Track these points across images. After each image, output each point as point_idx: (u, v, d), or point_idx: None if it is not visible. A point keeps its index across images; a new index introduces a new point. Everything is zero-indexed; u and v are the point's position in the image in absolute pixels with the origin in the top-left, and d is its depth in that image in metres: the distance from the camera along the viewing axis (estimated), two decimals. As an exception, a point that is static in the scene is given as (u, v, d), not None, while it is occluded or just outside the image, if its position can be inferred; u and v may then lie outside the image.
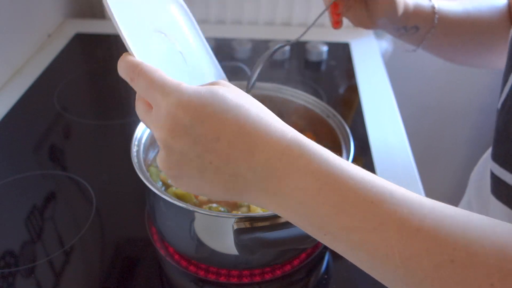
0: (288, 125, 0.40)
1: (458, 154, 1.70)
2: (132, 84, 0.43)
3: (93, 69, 1.17)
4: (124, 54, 0.44)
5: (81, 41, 1.28)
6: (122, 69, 0.43)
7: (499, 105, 0.59)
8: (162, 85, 0.40)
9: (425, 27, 0.69)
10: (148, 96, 0.42)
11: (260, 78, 0.78)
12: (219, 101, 0.39)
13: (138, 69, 0.42)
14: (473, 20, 0.70)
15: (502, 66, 0.67)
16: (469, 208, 0.71)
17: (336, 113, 0.71)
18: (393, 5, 0.64)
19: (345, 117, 0.72)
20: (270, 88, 0.77)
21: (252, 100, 0.41)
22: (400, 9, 0.65)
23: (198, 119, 0.38)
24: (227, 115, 0.38)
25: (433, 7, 0.68)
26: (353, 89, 1.08)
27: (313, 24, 0.67)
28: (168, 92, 0.39)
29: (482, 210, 0.64)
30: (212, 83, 0.42)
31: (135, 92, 0.46)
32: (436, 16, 0.67)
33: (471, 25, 0.70)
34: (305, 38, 0.69)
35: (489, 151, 0.69)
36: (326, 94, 1.06)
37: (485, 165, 0.68)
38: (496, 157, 0.57)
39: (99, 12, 1.41)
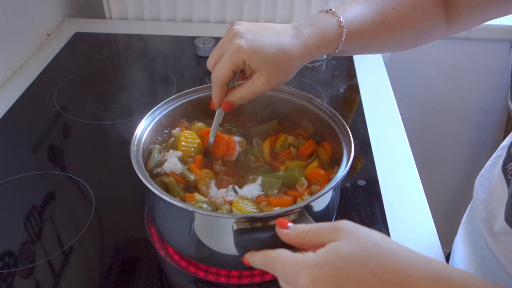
0: (426, 256, 0.41)
1: (458, 154, 1.70)
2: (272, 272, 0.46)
3: (92, 69, 1.17)
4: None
5: (81, 40, 1.28)
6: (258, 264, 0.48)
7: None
8: (294, 265, 0.43)
9: (337, 49, 0.66)
10: (288, 278, 0.44)
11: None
12: (348, 261, 0.40)
13: (272, 259, 0.45)
14: (394, 21, 0.67)
15: (437, 36, 0.69)
16: (473, 217, 0.71)
17: (336, 113, 0.71)
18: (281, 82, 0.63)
19: (345, 117, 0.72)
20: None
21: (378, 240, 0.42)
22: (285, 66, 0.61)
23: (339, 286, 0.40)
24: (363, 272, 0.40)
25: (339, 36, 0.63)
26: (353, 89, 1.08)
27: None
28: (300, 271, 0.42)
29: (489, 222, 0.64)
30: (333, 229, 0.43)
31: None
32: (342, 40, 0.63)
33: (392, 26, 0.67)
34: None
35: (495, 155, 0.69)
36: (326, 94, 1.06)
37: (491, 175, 0.67)
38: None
39: (99, 11, 1.41)
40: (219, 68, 0.61)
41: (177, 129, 0.74)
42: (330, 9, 0.64)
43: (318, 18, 0.64)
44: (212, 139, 0.70)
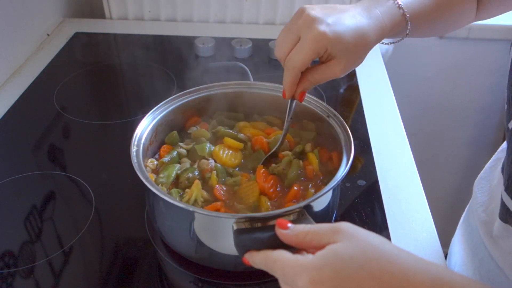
0: (426, 260, 0.41)
1: (458, 154, 1.70)
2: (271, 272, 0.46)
3: (92, 69, 1.17)
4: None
5: (81, 40, 1.28)
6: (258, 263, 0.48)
7: (510, 125, 0.56)
8: (294, 266, 0.42)
9: (400, 35, 0.67)
10: (287, 279, 0.44)
11: (260, 78, 0.78)
12: (348, 263, 0.40)
13: (272, 259, 0.45)
14: (443, 4, 0.67)
15: (471, 20, 0.67)
16: (472, 219, 0.71)
17: (336, 113, 0.71)
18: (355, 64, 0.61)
19: (345, 117, 0.72)
20: (270, 87, 0.77)
21: (378, 243, 0.42)
22: (362, 51, 0.61)
23: (338, 287, 0.40)
24: (362, 274, 0.40)
25: (404, 16, 0.63)
26: (353, 89, 1.08)
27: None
28: (299, 272, 0.42)
29: (488, 224, 0.64)
30: (333, 231, 0.43)
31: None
32: (408, 27, 0.64)
33: (442, 10, 0.67)
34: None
35: (494, 157, 0.69)
36: (326, 94, 1.06)
37: (490, 177, 0.67)
38: (510, 191, 0.54)
39: (99, 11, 1.41)
40: (298, 54, 0.57)
41: (194, 128, 0.75)
42: None
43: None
44: (284, 134, 0.68)
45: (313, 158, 0.70)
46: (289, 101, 0.65)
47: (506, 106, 0.56)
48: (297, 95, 0.63)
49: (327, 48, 0.57)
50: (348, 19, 0.58)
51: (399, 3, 0.62)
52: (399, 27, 0.63)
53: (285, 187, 0.67)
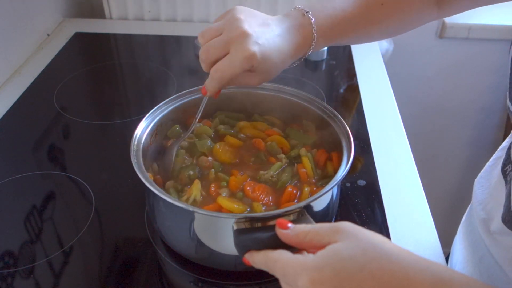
0: (426, 259, 0.41)
1: (458, 154, 1.70)
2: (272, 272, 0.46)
3: (92, 69, 1.17)
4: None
5: (81, 40, 1.28)
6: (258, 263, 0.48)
7: None
8: (294, 266, 0.42)
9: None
10: (287, 279, 0.44)
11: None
12: (348, 263, 0.40)
13: (272, 259, 0.45)
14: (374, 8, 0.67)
15: (432, 18, 0.69)
16: (472, 217, 0.71)
17: (336, 113, 0.71)
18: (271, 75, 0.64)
19: (345, 117, 0.72)
20: (270, 88, 0.77)
21: (379, 243, 0.42)
22: (279, 70, 0.63)
23: (338, 286, 0.40)
24: (363, 274, 0.40)
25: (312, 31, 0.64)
26: (353, 89, 1.08)
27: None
28: (300, 272, 0.41)
29: (487, 222, 0.64)
30: (334, 231, 0.43)
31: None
32: (314, 34, 0.64)
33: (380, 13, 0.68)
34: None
35: (494, 156, 0.69)
36: (326, 94, 1.06)
37: (490, 176, 0.67)
38: None
39: (99, 11, 1.41)
40: (228, 68, 0.60)
41: (198, 124, 0.75)
42: (301, 8, 0.64)
43: (297, 17, 0.64)
44: (196, 125, 0.71)
45: (306, 161, 0.70)
46: (205, 98, 0.67)
47: (510, 107, 0.56)
48: (215, 94, 0.65)
49: (254, 66, 0.59)
50: (275, 39, 0.61)
51: (311, 18, 0.63)
52: (308, 46, 0.65)
53: (277, 189, 0.67)
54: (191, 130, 0.72)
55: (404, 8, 0.68)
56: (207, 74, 0.62)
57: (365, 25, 0.67)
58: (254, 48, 0.58)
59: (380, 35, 0.73)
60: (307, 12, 0.64)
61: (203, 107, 0.69)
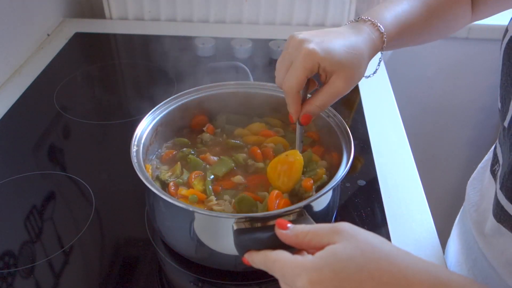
0: (425, 260, 0.41)
1: (458, 154, 1.70)
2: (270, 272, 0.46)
3: (92, 69, 1.17)
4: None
5: (81, 40, 1.28)
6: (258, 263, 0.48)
7: (506, 123, 0.55)
8: (293, 267, 0.42)
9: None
10: (286, 279, 0.44)
11: (260, 78, 0.78)
12: (347, 264, 0.40)
13: (271, 260, 0.45)
14: (435, 12, 0.68)
15: (464, 24, 0.70)
16: (466, 219, 0.71)
17: (336, 113, 0.71)
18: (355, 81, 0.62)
19: (345, 117, 0.72)
20: (270, 88, 0.77)
21: (378, 244, 0.42)
22: (358, 63, 0.61)
23: (337, 287, 0.40)
24: (361, 275, 0.40)
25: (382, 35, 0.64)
26: (353, 89, 1.07)
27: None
28: (299, 273, 0.41)
29: (480, 224, 0.64)
30: (333, 231, 0.43)
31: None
32: (384, 45, 0.64)
33: (433, 19, 0.69)
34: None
35: (486, 158, 0.69)
36: (326, 94, 1.06)
37: (482, 177, 0.67)
38: (505, 189, 0.53)
39: (99, 11, 1.41)
40: (291, 75, 0.58)
41: (206, 135, 0.75)
42: (360, 17, 0.64)
43: (361, 24, 0.64)
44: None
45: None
46: (297, 125, 0.64)
47: (499, 104, 0.56)
48: (300, 117, 0.62)
49: (319, 63, 0.57)
50: (336, 37, 0.60)
51: (378, 24, 0.63)
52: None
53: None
54: None
55: (453, 5, 0.69)
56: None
57: (422, 23, 0.67)
58: (311, 46, 0.57)
59: (431, 34, 0.73)
60: (367, 18, 0.63)
61: (300, 134, 0.65)
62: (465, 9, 0.70)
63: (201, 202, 0.64)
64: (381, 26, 0.63)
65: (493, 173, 0.60)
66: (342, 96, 0.61)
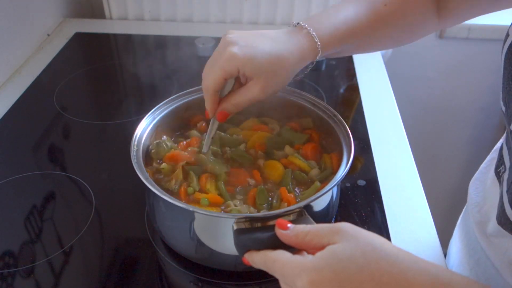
0: (425, 261, 0.41)
1: (458, 154, 1.70)
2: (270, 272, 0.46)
3: (92, 69, 1.17)
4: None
5: (81, 40, 1.28)
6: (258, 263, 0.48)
7: (511, 127, 0.56)
8: (293, 267, 0.42)
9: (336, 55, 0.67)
10: (286, 279, 0.44)
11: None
12: (347, 264, 0.40)
13: (271, 260, 0.45)
14: (384, 20, 0.66)
15: (428, 30, 0.69)
16: (468, 220, 0.71)
17: (336, 113, 0.71)
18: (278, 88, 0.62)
19: (345, 117, 0.72)
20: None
21: (378, 244, 0.42)
22: (280, 72, 0.60)
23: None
24: (362, 275, 0.40)
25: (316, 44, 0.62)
26: (353, 89, 1.08)
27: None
28: (299, 273, 0.41)
29: (483, 224, 0.64)
30: (333, 232, 0.43)
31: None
32: (317, 42, 0.62)
33: (387, 27, 0.67)
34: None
35: (488, 158, 0.69)
36: (326, 94, 1.06)
37: (484, 178, 0.67)
38: (510, 193, 0.53)
39: (99, 11, 1.41)
40: (210, 75, 0.60)
41: (195, 132, 0.75)
42: (299, 23, 0.62)
43: (296, 30, 0.63)
44: (205, 151, 0.68)
45: (295, 159, 0.69)
46: (211, 120, 0.66)
47: (503, 108, 0.56)
48: (216, 113, 0.63)
49: (239, 68, 0.58)
50: (264, 41, 0.60)
51: (313, 34, 0.62)
52: (327, 49, 0.64)
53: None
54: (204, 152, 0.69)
55: (406, 12, 0.67)
56: None
57: (369, 31, 0.66)
58: (234, 49, 0.58)
59: (386, 41, 0.72)
60: (304, 26, 0.62)
61: (210, 131, 0.66)
62: (426, 17, 0.69)
63: (217, 205, 0.63)
64: (315, 36, 0.61)
65: (498, 174, 0.60)
66: (259, 100, 0.61)
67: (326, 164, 0.69)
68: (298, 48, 0.61)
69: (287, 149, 0.71)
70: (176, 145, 0.72)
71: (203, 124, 0.76)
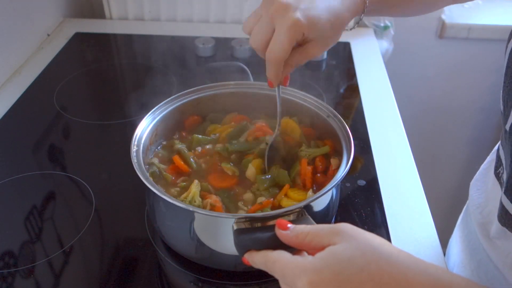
0: (425, 261, 0.41)
1: (458, 154, 1.70)
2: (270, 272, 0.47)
3: (92, 69, 1.17)
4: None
5: (81, 40, 1.28)
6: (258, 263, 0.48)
7: (507, 127, 0.55)
8: (293, 268, 0.42)
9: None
10: (286, 280, 0.44)
11: (261, 78, 0.78)
12: (347, 265, 0.40)
13: (272, 260, 0.45)
14: None
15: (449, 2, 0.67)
16: (469, 220, 0.71)
17: (336, 113, 0.71)
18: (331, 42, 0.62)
19: (345, 117, 0.72)
20: (271, 88, 0.77)
21: (378, 245, 0.42)
22: (337, 30, 0.61)
23: None
24: (362, 276, 0.40)
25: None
26: (353, 89, 1.08)
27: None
28: (299, 274, 0.42)
29: (485, 226, 0.64)
30: (333, 232, 0.43)
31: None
32: (366, 5, 0.63)
33: None
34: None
35: (488, 159, 0.69)
36: (326, 94, 1.06)
37: (485, 179, 0.67)
38: (510, 193, 0.53)
39: (99, 11, 1.41)
40: (278, 46, 0.56)
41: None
42: None
43: None
44: (278, 128, 0.68)
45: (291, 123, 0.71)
46: (277, 88, 0.65)
47: (501, 107, 0.56)
48: (282, 81, 0.63)
49: (304, 33, 0.57)
50: (320, 1, 0.58)
51: None
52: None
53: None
54: (277, 129, 0.69)
55: None
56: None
57: None
58: (297, 15, 0.55)
59: (410, 9, 0.72)
60: None
61: (279, 99, 0.66)
62: None
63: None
64: None
65: (497, 175, 0.60)
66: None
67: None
68: (353, 3, 0.60)
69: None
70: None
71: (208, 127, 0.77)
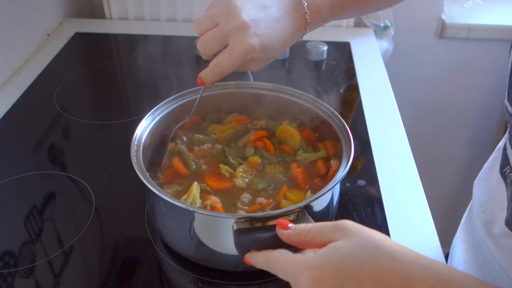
0: (427, 257, 0.41)
1: (458, 154, 1.70)
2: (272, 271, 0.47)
3: (92, 69, 1.17)
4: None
5: (81, 40, 1.28)
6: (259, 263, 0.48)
7: None
8: (295, 265, 0.43)
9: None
10: (289, 278, 0.44)
11: (261, 78, 0.78)
12: (349, 261, 0.40)
13: (273, 259, 0.45)
14: None
15: None
16: (473, 219, 0.70)
17: (336, 113, 0.71)
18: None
19: (345, 117, 0.72)
20: (270, 88, 0.77)
21: (379, 241, 0.42)
22: (279, 54, 0.64)
23: (339, 286, 0.40)
24: (363, 272, 0.40)
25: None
26: (353, 89, 1.08)
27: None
28: (301, 271, 0.42)
29: (489, 225, 0.64)
30: (335, 229, 0.43)
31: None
32: (307, 19, 0.64)
33: None
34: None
35: (492, 157, 0.68)
36: (326, 94, 1.06)
37: (489, 178, 0.67)
38: None
39: (99, 11, 1.41)
40: (227, 61, 0.60)
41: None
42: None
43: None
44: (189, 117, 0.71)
45: (291, 129, 0.72)
46: (203, 88, 0.68)
47: (510, 108, 0.56)
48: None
49: (254, 57, 0.60)
50: (275, 25, 0.60)
51: (307, 17, 0.63)
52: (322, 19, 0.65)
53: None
54: (184, 121, 0.72)
55: None
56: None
57: None
58: (254, 41, 0.58)
59: (377, 4, 0.72)
60: (304, 10, 0.63)
61: (200, 97, 0.69)
62: None
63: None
64: (308, 18, 0.63)
65: (503, 174, 0.60)
66: None
67: (320, 149, 0.72)
68: (293, 29, 0.62)
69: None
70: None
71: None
